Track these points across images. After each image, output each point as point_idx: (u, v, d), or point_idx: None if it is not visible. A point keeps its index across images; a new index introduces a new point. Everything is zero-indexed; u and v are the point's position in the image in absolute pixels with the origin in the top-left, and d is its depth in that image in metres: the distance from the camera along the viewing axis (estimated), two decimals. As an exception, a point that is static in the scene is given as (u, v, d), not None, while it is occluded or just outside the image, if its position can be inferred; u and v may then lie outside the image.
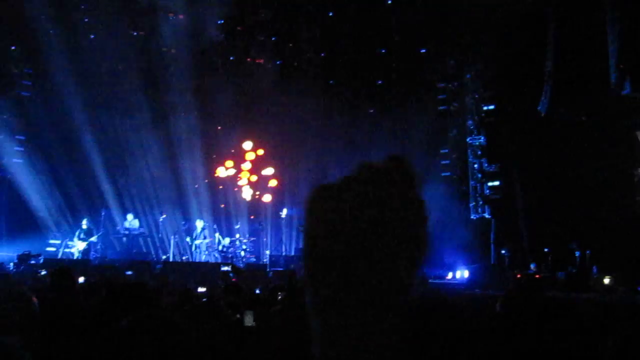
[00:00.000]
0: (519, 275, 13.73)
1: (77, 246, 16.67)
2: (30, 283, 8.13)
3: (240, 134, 20.70)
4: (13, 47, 18.16)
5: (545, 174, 16.08)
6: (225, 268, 13.64)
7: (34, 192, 18.34)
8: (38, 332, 2.94)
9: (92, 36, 18.44)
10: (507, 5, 16.71)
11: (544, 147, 16.08)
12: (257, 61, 20.00)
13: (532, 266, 15.18)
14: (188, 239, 17.69)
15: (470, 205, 18.23)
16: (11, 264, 14.15)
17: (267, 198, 20.45)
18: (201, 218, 18.24)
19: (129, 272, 13.73)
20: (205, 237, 17.42)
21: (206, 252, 17.43)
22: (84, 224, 17.04)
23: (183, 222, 18.84)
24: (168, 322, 2.09)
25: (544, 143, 16.07)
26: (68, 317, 4.15)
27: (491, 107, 18.32)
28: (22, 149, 18.48)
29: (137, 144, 19.30)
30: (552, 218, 15.49)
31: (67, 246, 17.02)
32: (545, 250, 15.22)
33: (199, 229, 17.52)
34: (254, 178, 20.79)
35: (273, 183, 20.43)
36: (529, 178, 17.14)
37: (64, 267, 5.38)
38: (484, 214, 17.87)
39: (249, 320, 3.77)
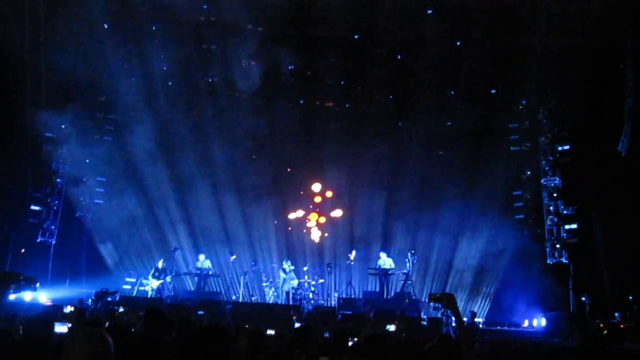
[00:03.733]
0: (601, 325, 12.97)
1: (151, 284, 17.15)
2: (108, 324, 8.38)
3: (309, 176, 20.95)
4: (102, 98, 19.35)
5: (626, 216, 15.31)
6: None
7: (113, 232, 19.18)
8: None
9: (169, 83, 19.38)
10: (580, 42, 16.38)
11: (624, 188, 15.36)
12: (326, 104, 20.32)
13: (616, 315, 14.29)
14: (282, 276, 17.57)
15: (547, 249, 17.47)
16: (89, 300, 14.71)
17: (337, 213, 20.60)
18: (288, 259, 18.28)
19: (201, 312, 13.95)
20: (293, 279, 17.43)
21: (292, 291, 17.26)
22: (160, 263, 17.56)
23: (253, 263, 19.07)
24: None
25: (624, 184, 15.36)
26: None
27: (566, 147, 17.72)
28: (102, 190, 19.44)
29: (210, 186, 19.90)
30: (636, 263, 14.63)
31: (141, 284, 17.55)
32: (630, 298, 14.33)
33: (288, 269, 17.50)
34: (322, 220, 20.90)
35: (337, 213, 20.50)
36: (609, 221, 16.35)
37: (157, 308, 5.59)
38: (561, 259, 17.06)
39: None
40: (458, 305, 5.41)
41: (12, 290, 3.67)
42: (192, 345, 4.10)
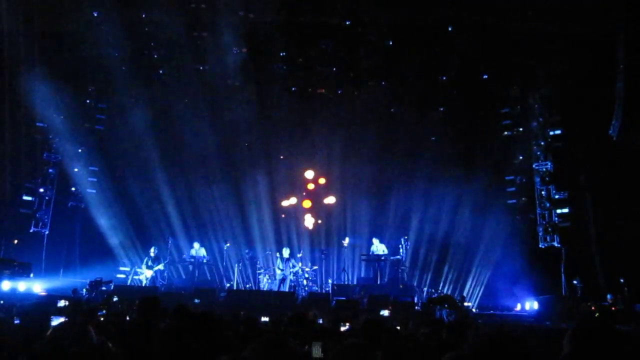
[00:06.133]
0: (593, 308, 13.13)
1: (145, 273, 17.19)
2: (105, 312, 8.41)
3: (302, 164, 20.97)
4: (91, 89, 19.22)
5: (618, 200, 15.42)
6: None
7: (106, 221, 19.17)
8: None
9: (161, 71, 19.27)
10: (572, 27, 16.38)
11: (616, 172, 15.46)
12: (318, 91, 20.27)
13: (608, 297, 14.46)
14: (279, 265, 17.49)
15: (539, 233, 17.61)
16: (84, 290, 14.74)
17: (330, 200, 20.71)
18: (282, 247, 18.28)
19: (197, 301, 14.01)
20: (295, 265, 17.43)
21: (293, 279, 17.23)
22: (152, 252, 17.59)
23: (247, 251, 19.13)
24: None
25: (616, 168, 15.45)
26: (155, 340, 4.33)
27: (558, 131, 17.79)
28: (95, 179, 19.38)
29: (203, 174, 19.89)
30: (627, 246, 14.76)
31: (135, 273, 17.58)
32: (621, 280, 14.49)
33: (286, 256, 17.48)
34: (315, 206, 20.96)
35: (331, 200, 20.57)
36: (600, 205, 16.47)
37: (153, 296, 5.62)
38: (553, 243, 17.21)
39: (317, 352, 3.67)
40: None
41: (6, 277, 3.68)
42: (186, 330, 4.14)
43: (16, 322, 4.83)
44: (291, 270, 17.24)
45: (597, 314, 13.13)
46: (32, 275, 14.04)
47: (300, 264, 17.75)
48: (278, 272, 17.27)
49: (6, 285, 12.79)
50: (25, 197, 17.95)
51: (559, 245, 17.07)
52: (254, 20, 18.18)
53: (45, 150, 18.55)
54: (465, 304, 15.87)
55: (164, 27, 17.90)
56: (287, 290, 16.70)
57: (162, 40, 18.39)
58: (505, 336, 2.66)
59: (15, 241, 17.61)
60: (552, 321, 12.96)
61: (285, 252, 17.60)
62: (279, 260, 17.46)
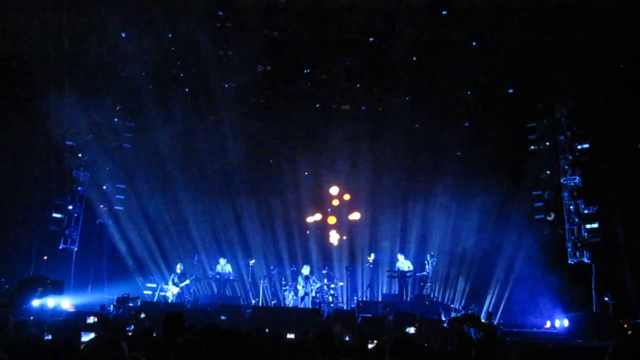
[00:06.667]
0: (625, 325, 12.80)
1: (172, 290, 17.30)
2: (132, 328, 8.49)
3: (327, 180, 20.99)
4: (118, 107, 19.59)
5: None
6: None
7: (133, 238, 19.41)
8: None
9: (187, 89, 19.55)
10: (598, 38, 16.22)
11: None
12: (342, 107, 20.33)
13: (640, 315, 14.10)
14: (300, 282, 17.44)
15: (568, 249, 17.27)
16: (111, 306, 14.90)
17: (355, 216, 20.65)
18: (307, 263, 18.30)
19: (223, 317, 14.04)
20: (315, 282, 17.42)
21: (316, 296, 17.21)
22: (178, 268, 17.72)
23: (272, 267, 19.14)
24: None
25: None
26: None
27: (586, 145, 17.49)
28: (122, 197, 19.66)
29: (228, 190, 20.06)
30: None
31: (162, 290, 17.71)
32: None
33: (306, 274, 17.50)
34: (340, 223, 20.92)
35: (356, 216, 20.53)
36: (631, 219, 16.14)
37: (178, 313, 5.67)
38: (582, 259, 16.83)
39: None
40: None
41: (38, 294, 3.74)
42: (212, 347, 4.15)
43: (47, 337, 4.90)
44: (312, 287, 17.20)
45: (630, 331, 12.80)
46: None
47: (326, 280, 17.70)
48: (300, 289, 17.25)
49: (36, 302, 13.00)
50: (54, 215, 18.25)
51: (588, 261, 16.70)
52: (278, 37, 18.40)
53: (74, 168, 18.88)
54: (495, 322, 15.60)
55: (190, 46, 18.23)
56: (309, 307, 16.65)
57: (188, 59, 18.69)
58: (543, 353, 2.62)
59: (45, 258, 17.91)
60: (584, 339, 12.65)
61: (305, 270, 17.58)
62: (300, 277, 17.46)
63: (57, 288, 3.86)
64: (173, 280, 17.46)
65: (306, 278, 17.33)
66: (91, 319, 8.53)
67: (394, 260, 18.39)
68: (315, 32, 18.56)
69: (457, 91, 18.93)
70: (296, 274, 17.99)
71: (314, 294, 17.13)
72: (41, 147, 17.63)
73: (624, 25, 15.47)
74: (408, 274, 17.48)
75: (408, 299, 17.18)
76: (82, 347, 3.29)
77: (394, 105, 19.59)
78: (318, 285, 17.35)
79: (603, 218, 16.87)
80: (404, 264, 17.76)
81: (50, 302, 13.52)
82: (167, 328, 5.45)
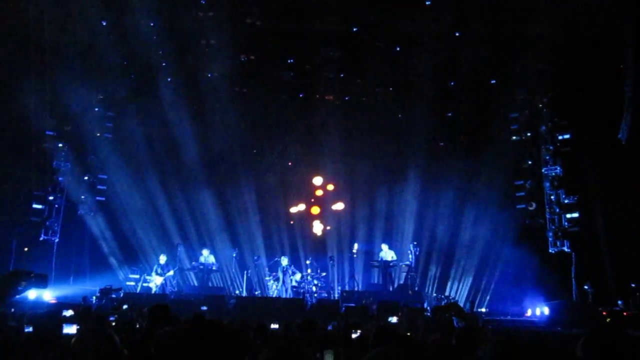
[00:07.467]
0: (604, 313, 13.01)
1: (155, 281, 17.22)
2: (114, 318, 8.44)
3: (310, 170, 20.97)
4: (99, 97, 19.34)
5: (628, 204, 15.32)
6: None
7: (115, 229, 19.25)
8: None
9: (169, 79, 19.33)
10: (580, 30, 16.34)
11: (626, 176, 15.36)
12: (325, 98, 20.28)
13: (618, 303, 14.33)
14: (280, 274, 17.48)
15: (549, 238, 17.49)
16: (94, 297, 14.79)
17: (339, 206, 20.69)
18: (284, 254, 18.37)
19: (204, 307, 14.01)
20: (294, 273, 17.45)
21: (297, 286, 17.25)
22: (162, 259, 17.63)
23: (255, 257, 19.13)
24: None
25: (626, 172, 15.36)
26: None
27: (567, 135, 17.68)
28: (104, 187, 19.46)
29: (211, 180, 19.95)
30: (638, 251, 14.65)
31: (145, 280, 17.61)
32: (632, 285, 14.36)
33: (284, 265, 17.55)
34: (324, 213, 20.95)
35: (339, 206, 20.54)
36: (610, 209, 16.36)
37: (163, 304, 5.65)
38: (563, 248, 17.06)
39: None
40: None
41: (22, 288, 3.70)
42: (193, 338, 4.13)
43: (27, 330, 4.86)
44: (291, 277, 17.25)
45: (609, 319, 13.01)
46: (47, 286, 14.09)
47: (309, 270, 17.73)
48: (279, 279, 17.32)
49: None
50: (35, 206, 18.00)
51: (569, 250, 16.93)
52: (260, 27, 18.26)
53: (54, 159, 18.62)
54: (477, 309, 15.77)
55: (172, 35, 18.01)
56: (291, 297, 16.69)
57: (170, 48, 18.48)
58: (518, 342, 2.65)
59: (26, 249, 17.70)
60: (564, 327, 12.83)
61: (284, 261, 17.64)
62: (279, 268, 17.51)
63: (41, 281, 3.82)
64: (156, 270, 17.38)
65: (284, 270, 17.37)
66: (69, 312, 8.43)
67: (378, 250, 18.48)
68: (299, 23, 18.44)
69: (440, 82, 18.96)
70: (279, 264, 18.03)
71: (293, 284, 17.18)
72: (21, 137, 17.33)
73: (603, 16, 15.58)
74: (391, 264, 17.59)
75: (392, 289, 17.29)
76: (73, 340, 3.26)
77: (378, 96, 19.59)
78: (299, 275, 17.39)
79: (583, 208, 17.10)
80: (387, 253, 17.86)
81: (32, 293, 13.38)
82: (152, 319, 5.43)
